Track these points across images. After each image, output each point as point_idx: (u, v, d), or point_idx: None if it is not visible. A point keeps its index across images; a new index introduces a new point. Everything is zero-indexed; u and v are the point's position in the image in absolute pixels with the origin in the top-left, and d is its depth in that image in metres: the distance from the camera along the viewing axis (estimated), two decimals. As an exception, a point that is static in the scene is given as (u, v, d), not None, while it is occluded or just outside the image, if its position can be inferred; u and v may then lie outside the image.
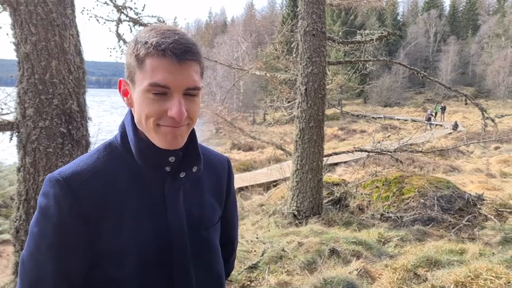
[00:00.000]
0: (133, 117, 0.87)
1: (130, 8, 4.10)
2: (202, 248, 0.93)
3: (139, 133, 0.86)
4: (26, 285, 0.83)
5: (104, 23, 4.16)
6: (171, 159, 0.85)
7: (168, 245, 0.86)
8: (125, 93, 0.87)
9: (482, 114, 6.76)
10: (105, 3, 4.01)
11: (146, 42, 0.78)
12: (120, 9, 4.06)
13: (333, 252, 3.91)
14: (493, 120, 6.89)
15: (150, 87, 0.78)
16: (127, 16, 4.17)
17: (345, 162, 11.73)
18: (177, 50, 0.77)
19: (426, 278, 3.33)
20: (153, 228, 0.85)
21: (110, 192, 0.83)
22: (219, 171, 1.04)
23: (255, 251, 4.04)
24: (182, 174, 0.89)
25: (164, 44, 0.77)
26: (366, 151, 7.06)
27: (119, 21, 4.12)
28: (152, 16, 4.56)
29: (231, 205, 1.11)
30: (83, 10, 3.94)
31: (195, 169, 0.91)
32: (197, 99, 0.84)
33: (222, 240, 1.05)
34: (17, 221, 2.82)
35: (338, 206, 6.18)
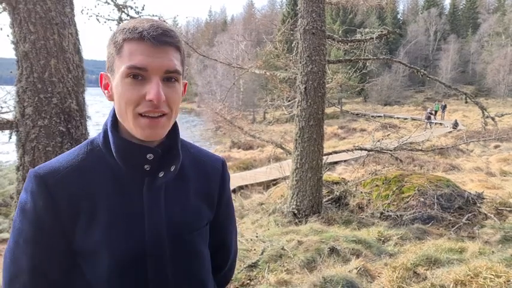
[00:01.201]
0: (115, 115, 0.86)
1: (131, 7, 4.10)
2: (183, 253, 0.89)
3: (118, 130, 0.85)
4: (7, 279, 0.82)
5: (105, 22, 4.16)
6: (149, 156, 0.83)
7: (143, 248, 0.83)
8: (106, 87, 0.86)
9: (483, 112, 6.74)
10: (106, 2, 4.01)
11: (124, 29, 0.79)
12: (120, 8, 4.05)
13: (333, 250, 3.91)
14: (493, 119, 6.87)
15: (127, 70, 0.77)
16: (128, 15, 4.18)
17: (345, 160, 11.73)
18: (154, 32, 0.78)
19: (426, 277, 3.33)
20: (127, 230, 0.82)
21: (86, 190, 0.81)
22: (210, 173, 0.99)
23: (254, 249, 4.04)
24: (161, 174, 0.86)
25: (141, 28, 0.78)
26: (365, 150, 7.05)
27: (120, 20, 4.12)
28: (153, 15, 4.54)
29: (225, 209, 1.05)
30: (82, 10, 3.93)
31: (172, 168, 0.88)
32: (177, 86, 0.83)
33: (214, 245, 1.01)
34: (17, 219, 2.81)
35: (338, 204, 6.19)
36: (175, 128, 0.90)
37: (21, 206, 0.81)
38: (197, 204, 0.94)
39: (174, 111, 0.83)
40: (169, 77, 0.81)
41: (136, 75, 0.78)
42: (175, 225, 0.88)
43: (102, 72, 0.86)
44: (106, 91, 0.86)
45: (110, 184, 0.83)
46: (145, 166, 0.84)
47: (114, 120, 0.86)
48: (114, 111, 0.86)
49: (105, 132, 0.87)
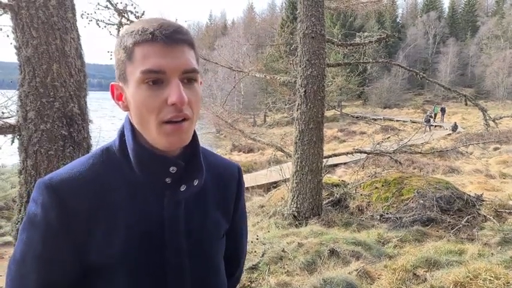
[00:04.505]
0: (132, 123, 0.80)
1: (131, 12, 4.12)
2: (202, 267, 0.85)
3: (139, 139, 0.78)
4: None
5: (105, 26, 4.18)
6: (172, 169, 0.78)
7: (163, 263, 0.80)
8: (119, 98, 0.79)
9: (484, 114, 6.74)
10: (106, 7, 4.04)
11: (132, 32, 0.73)
12: (121, 13, 4.09)
13: (333, 252, 3.92)
14: (494, 121, 6.88)
15: (143, 75, 0.71)
16: (128, 20, 4.21)
17: (345, 163, 11.77)
18: (165, 31, 0.71)
19: (425, 279, 3.35)
20: (147, 245, 0.78)
21: (102, 202, 0.76)
22: (227, 182, 0.95)
23: (255, 251, 4.06)
24: (183, 188, 0.81)
25: (151, 28, 0.71)
26: (365, 152, 7.09)
27: (120, 24, 4.15)
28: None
29: (240, 217, 1.00)
30: (82, 14, 3.96)
31: (196, 182, 0.83)
32: (197, 86, 0.77)
33: (227, 254, 0.96)
34: (19, 223, 2.84)
35: (338, 206, 6.20)
36: (194, 136, 0.83)
37: (30, 219, 0.75)
38: (215, 216, 0.90)
39: (195, 114, 0.77)
40: (188, 78, 0.75)
41: (155, 80, 0.72)
42: (196, 238, 0.84)
43: (112, 83, 0.79)
44: (120, 102, 0.79)
45: (128, 196, 0.78)
46: (167, 179, 0.79)
47: (133, 129, 0.79)
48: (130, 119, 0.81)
49: (121, 140, 0.81)
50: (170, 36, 0.72)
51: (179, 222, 0.81)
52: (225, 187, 0.94)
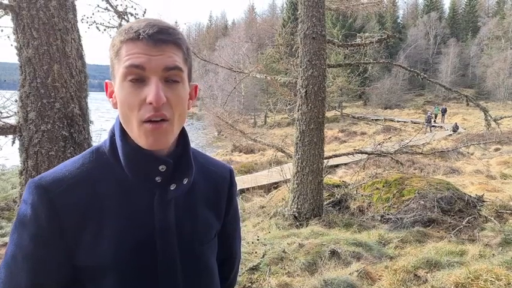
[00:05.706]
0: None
1: (131, 14, 4.11)
2: (194, 268, 0.85)
3: (127, 138, 0.78)
4: None
5: (105, 30, 4.16)
6: (162, 168, 0.78)
7: (154, 263, 0.79)
8: (111, 95, 0.81)
9: (485, 114, 6.73)
10: (106, 9, 4.03)
11: (121, 31, 0.76)
12: (121, 14, 4.08)
13: (334, 253, 3.92)
14: (495, 121, 6.87)
15: (124, 69, 0.72)
16: (128, 22, 4.20)
17: (346, 164, 11.76)
18: (150, 30, 0.73)
19: (426, 280, 3.34)
20: (137, 246, 0.78)
21: (92, 203, 0.76)
22: (219, 183, 0.95)
23: (256, 252, 4.06)
24: (173, 186, 0.81)
25: (136, 27, 0.73)
26: (366, 153, 7.08)
27: (120, 27, 4.13)
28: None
29: (232, 219, 1.00)
30: (82, 18, 3.94)
31: (185, 181, 0.83)
32: (180, 87, 0.76)
33: (220, 257, 0.97)
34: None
35: (338, 207, 6.20)
36: (185, 136, 0.84)
37: (20, 219, 0.75)
38: (206, 216, 0.89)
39: (178, 115, 0.76)
40: (171, 77, 0.75)
41: (136, 78, 0.73)
42: (186, 239, 0.84)
43: (107, 81, 0.82)
44: (111, 99, 0.81)
45: (118, 196, 0.78)
46: (157, 178, 0.79)
47: (122, 128, 0.79)
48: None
49: (111, 140, 0.81)
50: (153, 35, 0.73)
51: (169, 222, 0.81)
52: (216, 188, 0.94)
